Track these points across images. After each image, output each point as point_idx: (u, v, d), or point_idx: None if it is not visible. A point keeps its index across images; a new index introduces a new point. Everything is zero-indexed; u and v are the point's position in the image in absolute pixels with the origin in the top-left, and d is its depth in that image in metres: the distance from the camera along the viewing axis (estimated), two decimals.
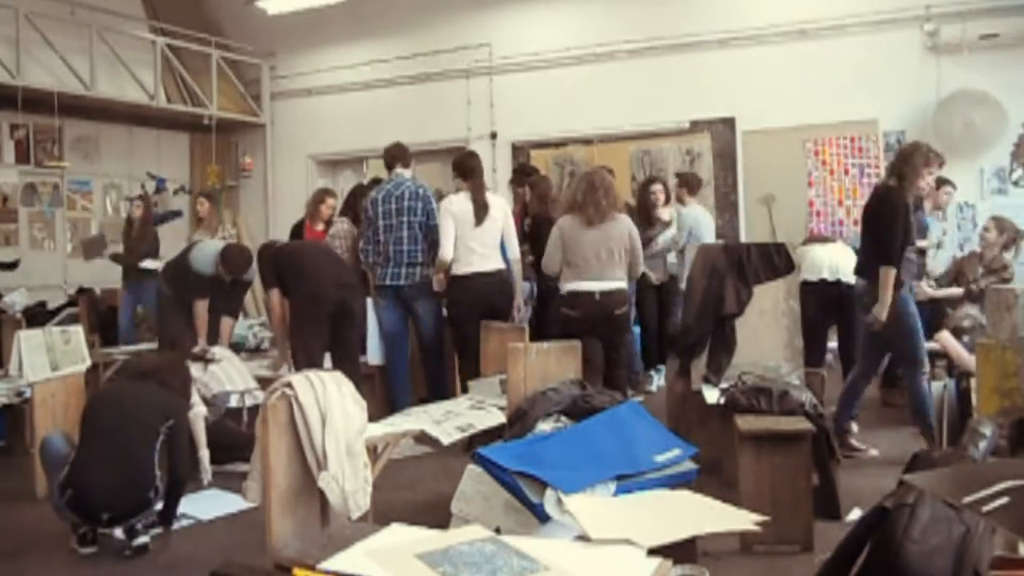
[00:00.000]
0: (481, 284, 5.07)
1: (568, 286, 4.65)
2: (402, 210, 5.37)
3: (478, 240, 5.07)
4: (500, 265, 5.14)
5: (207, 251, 5.75)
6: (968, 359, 4.26)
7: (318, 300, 5.08)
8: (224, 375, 4.95)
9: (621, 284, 4.67)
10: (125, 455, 3.44)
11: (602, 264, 4.62)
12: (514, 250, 5.21)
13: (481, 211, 5.07)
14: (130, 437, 3.48)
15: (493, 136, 9.41)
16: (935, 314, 5.15)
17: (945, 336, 4.60)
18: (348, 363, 4.98)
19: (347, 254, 5.87)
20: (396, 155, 5.63)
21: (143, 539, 3.48)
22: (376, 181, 6.37)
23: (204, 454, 4.37)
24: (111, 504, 3.38)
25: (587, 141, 8.94)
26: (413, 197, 5.39)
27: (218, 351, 5.22)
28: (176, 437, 3.63)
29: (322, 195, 6.97)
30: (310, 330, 5.09)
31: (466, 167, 5.22)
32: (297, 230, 7.00)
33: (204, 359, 4.98)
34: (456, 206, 5.10)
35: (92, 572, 3.38)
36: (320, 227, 6.71)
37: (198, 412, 4.33)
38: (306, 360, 4.88)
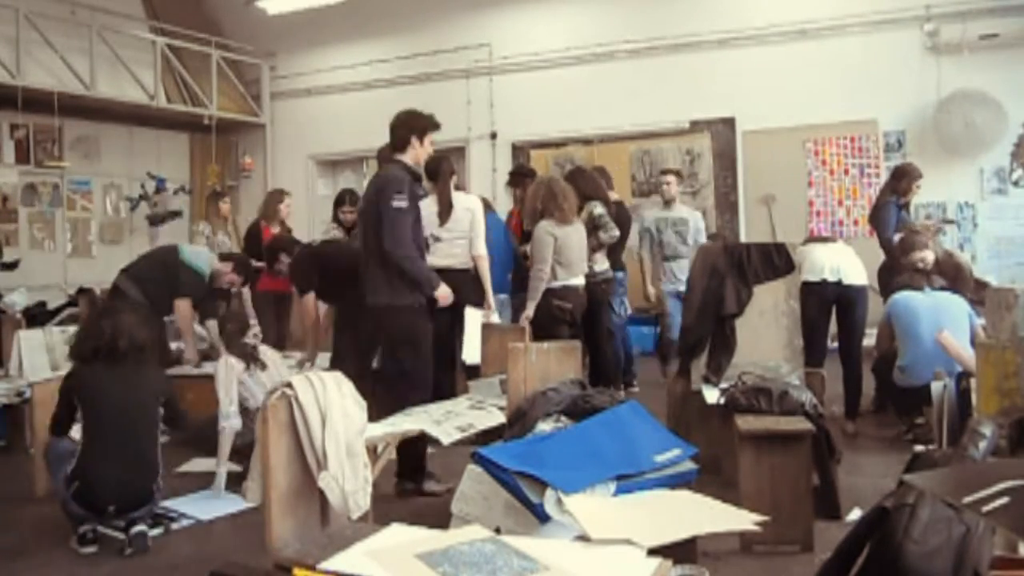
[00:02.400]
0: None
1: (560, 282, 5.12)
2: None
3: (442, 239, 5.24)
4: (465, 261, 5.20)
5: (201, 254, 5.72)
6: (969, 358, 4.26)
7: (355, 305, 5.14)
8: (271, 384, 4.48)
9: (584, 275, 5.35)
10: (132, 448, 3.51)
11: (582, 259, 5.25)
12: (478, 247, 5.24)
13: (444, 211, 5.17)
14: (136, 430, 3.54)
15: (493, 136, 9.42)
16: None
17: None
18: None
19: None
20: (389, 156, 5.64)
21: (141, 527, 3.49)
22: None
23: (222, 470, 4.24)
24: (117, 496, 3.44)
25: (587, 141, 8.94)
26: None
27: (267, 352, 4.80)
28: (173, 407, 3.80)
29: (280, 195, 6.94)
30: (364, 327, 5.08)
31: (430, 169, 5.34)
32: (254, 234, 6.82)
33: (254, 357, 4.55)
34: (423, 210, 5.26)
35: (92, 572, 3.38)
36: (276, 228, 6.69)
37: (233, 425, 4.20)
38: (358, 353, 4.97)
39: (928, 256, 5.28)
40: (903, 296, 4.95)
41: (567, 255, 5.13)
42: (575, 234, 5.21)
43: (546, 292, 5.09)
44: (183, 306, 5.52)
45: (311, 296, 5.21)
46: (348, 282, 5.10)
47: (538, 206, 5.19)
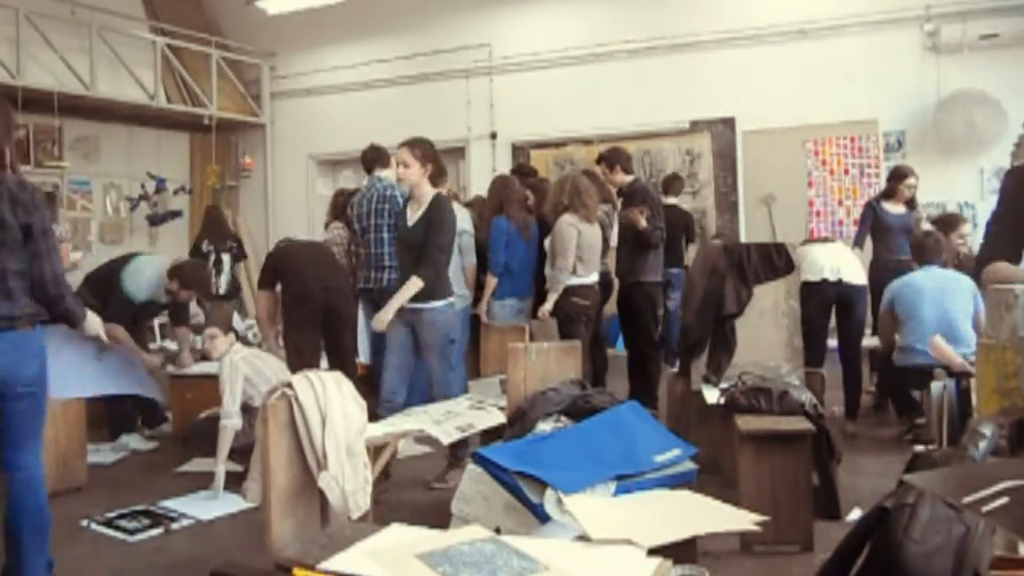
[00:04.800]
0: None
1: (578, 279, 5.07)
2: (371, 213, 5.42)
3: None
4: None
5: (142, 277, 5.16)
6: (960, 361, 4.29)
7: (303, 301, 5.14)
8: (270, 371, 4.49)
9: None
10: None
11: (597, 258, 5.19)
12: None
13: None
14: None
15: (493, 136, 9.41)
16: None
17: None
18: (344, 366, 4.98)
19: (343, 259, 5.88)
20: (374, 158, 5.66)
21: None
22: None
23: (221, 469, 4.23)
24: None
25: (587, 141, 8.94)
26: (381, 200, 5.42)
27: (267, 356, 4.80)
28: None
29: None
30: (299, 331, 5.13)
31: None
32: None
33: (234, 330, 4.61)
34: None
35: (93, 570, 3.38)
36: None
37: (233, 424, 4.20)
38: (298, 361, 4.85)
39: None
40: (901, 280, 4.96)
41: (587, 252, 5.11)
42: (594, 232, 5.20)
43: (564, 290, 5.06)
44: (117, 331, 4.92)
45: (263, 294, 5.34)
46: (284, 281, 5.18)
47: (564, 200, 5.14)
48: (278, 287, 5.34)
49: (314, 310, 5.15)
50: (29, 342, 2.83)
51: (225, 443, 4.20)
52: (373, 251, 5.39)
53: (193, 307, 5.90)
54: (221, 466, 4.22)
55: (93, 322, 3.32)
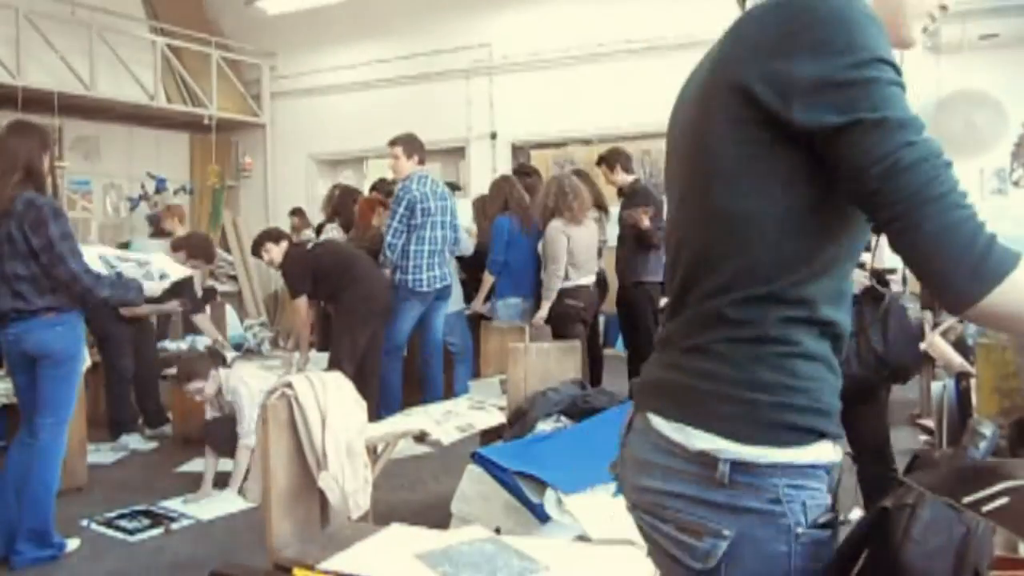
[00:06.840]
0: None
1: (571, 282, 5.13)
2: (438, 209, 5.40)
3: None
4: None
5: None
6: (958, 362, 4.28)
7: (372, 299, 5.17)
8: (248, 394, 4.34)
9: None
10: None
11: (592, 259, 5.27)
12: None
13: None
14: None
15: (493, 136, 9.41)
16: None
17: (937, 341, 4.58)
18: (377, 359, 5.25)
19: None
20: (423, 149, 5.57)
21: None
22: (383, 181, 6.39)
23: (234, 487, 4.22)
24: None
25: (587, 141, 8.94)
26: (443, 196, 5.47)
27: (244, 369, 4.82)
28: None
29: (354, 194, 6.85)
30: (361, 329, 5.14)
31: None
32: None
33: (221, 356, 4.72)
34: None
35: (92, 570, 3.38)
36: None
37: (248, 444, 4.16)
38: (354, 356, 5.04)
39: None
40: None
41: (579, 256, 5.12)
42: (586, 233, 5.20)
43: (559, 292, 5.10)
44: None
45: (303, 299, 5.22)
46: (342, 282, 5.13)
47: (549, 203, 5.18)
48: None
49: (381, 309, 5.23)
50: (53, 325, 3.40)
51: (243, 461, 4.19)
52: (437, 247, 5.38)
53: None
54: (235, 485, 4.21)
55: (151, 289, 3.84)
